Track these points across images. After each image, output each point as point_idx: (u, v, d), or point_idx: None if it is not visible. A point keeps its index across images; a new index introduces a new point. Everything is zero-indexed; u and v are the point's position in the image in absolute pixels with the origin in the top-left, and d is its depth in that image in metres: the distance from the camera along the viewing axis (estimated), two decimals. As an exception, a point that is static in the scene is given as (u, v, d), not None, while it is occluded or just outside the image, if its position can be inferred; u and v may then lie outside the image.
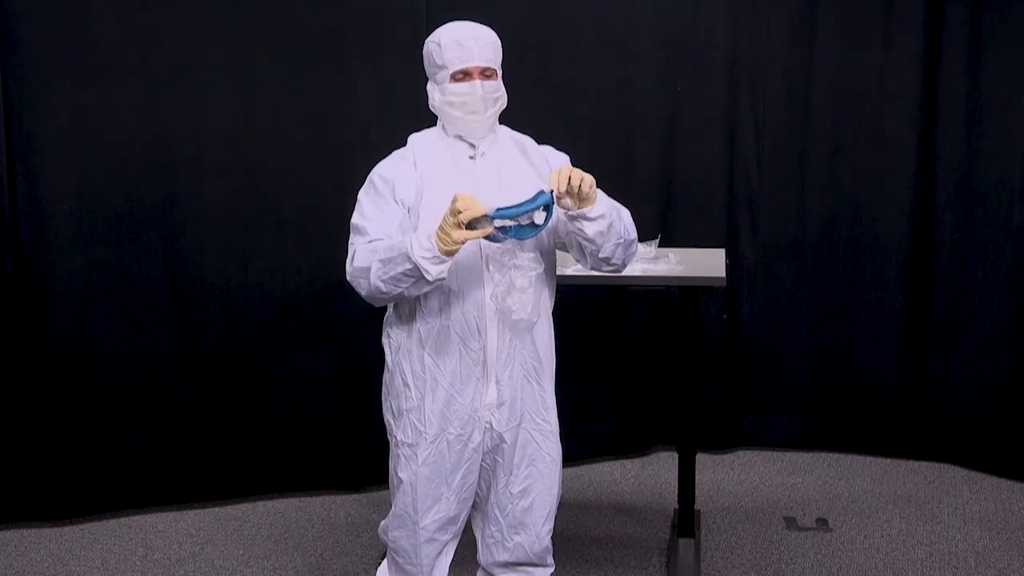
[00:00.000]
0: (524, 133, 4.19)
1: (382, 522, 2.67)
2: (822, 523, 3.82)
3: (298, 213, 4.02)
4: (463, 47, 2.45)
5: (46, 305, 3.79)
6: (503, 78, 2.53)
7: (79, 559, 3.60)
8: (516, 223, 2.31)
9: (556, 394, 4.58)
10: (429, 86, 2.54)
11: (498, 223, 2.29)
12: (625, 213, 2.56)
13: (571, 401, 4.46)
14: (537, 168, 2.59)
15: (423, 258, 2.28)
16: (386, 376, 2.61)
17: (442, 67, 2.47)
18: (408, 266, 2.30)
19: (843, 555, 3.56)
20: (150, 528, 3.86)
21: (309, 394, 4.11)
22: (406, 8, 4.01)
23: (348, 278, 2.45)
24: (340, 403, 4.12)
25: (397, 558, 2.63)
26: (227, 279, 3.98)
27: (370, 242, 2.43)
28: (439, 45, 2.47)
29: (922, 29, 4.29)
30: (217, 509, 4.02)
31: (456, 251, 2.29)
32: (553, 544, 3.77)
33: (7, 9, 3.63)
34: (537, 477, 2.62)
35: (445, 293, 2.45)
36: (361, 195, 2.51)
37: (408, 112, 3.81)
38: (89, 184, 3.78)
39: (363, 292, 2.43)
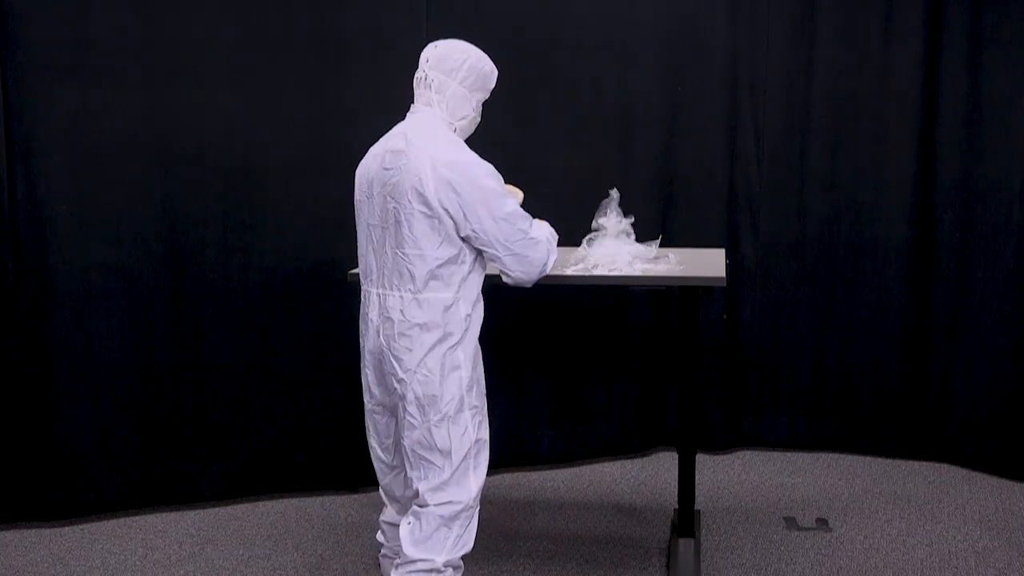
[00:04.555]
0: (526, 132, 4.23)
1: (466, 499, 2.87)
2: (822, 523, 3.82)
3: (298, 213, 4.02)
4: None
5: (46, 305, 3.79)
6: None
7: (79, 559, 3.60)
8: None
9: (556, 395, 4.61)
10: (462, 92, 2.88)
11: None
12: None
13: (571, 401, 4.47)
14: None
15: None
16: (461, 354, 2.85)
17: (488, 91, 2.95)
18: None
19: (843, 555, 3.56)
20: (150, 528, 3.86)
21: (308, 394, 4.12)
22: (406, 8, 4.01)
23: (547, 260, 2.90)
24: (340, 403, 4.12)
25: (475, 518, 2.92)
26: (227, 279, 3.98)
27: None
28: (493, 72, 2.95)
29: (922, 29, 4.29)
30: (217, 509, 4.02)
31: None
32: (554, 544, 3.79)
33: (7, 9, 3.63)
34: None
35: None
36: (498, 187, 2.81)
37: (408, 112, 3.82)
38: (89, 184, 3.78)
39: (550, 268, 2.93)
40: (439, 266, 2.79)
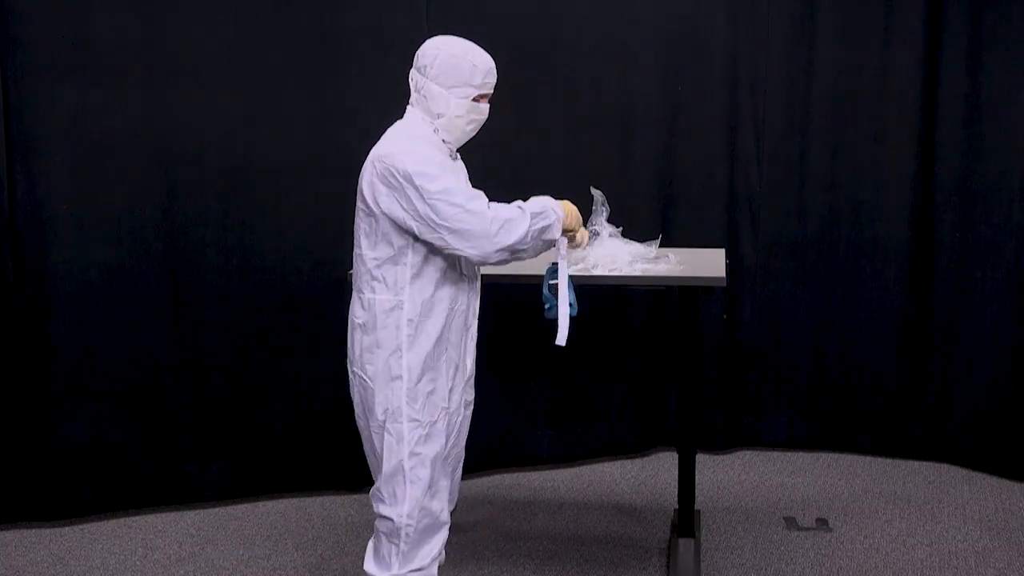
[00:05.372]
0: (526, 132, 4.23)
1: (392, 515, 2.68)
2: (822, 523, 3.82)
3: (298, 213, 4.02)
4: (493, 75, 2.75)
5: (46, 305, 3.79)
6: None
7: (79, 559, 3.60)
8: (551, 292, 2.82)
9: (556, 395, 4.61)
10: (436, 89, 2.70)
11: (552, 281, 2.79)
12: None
13: (571, 401, 4.47)
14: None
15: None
16: (405, 362, 2.68)
17: (474, 86, 2.72)
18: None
19: (843, 555, 3.56)
20: (150, 528, 3.86)
21: (309, 394, 4.12)
22: (406, 8, 4.01)
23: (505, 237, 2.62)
24: (340, 403, 4.10)
25: (435, 536, 2.74)
26: (227, 279, 3.98)
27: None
28: (476, 67, 2.71)
29: (922, 29, 4.29)
30: (217, 509, 4.02)
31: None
32: (554, 544, 3.79)
33: (7, 9, 3.63)
34: (465, 428, 2.93)
35: (457, 274, 2.72)
36: (429, 169, 2.60)
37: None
38: (89, 184, 3.78)
39: (514, 239, 2.63)
40: (376, 266, 2.68)
